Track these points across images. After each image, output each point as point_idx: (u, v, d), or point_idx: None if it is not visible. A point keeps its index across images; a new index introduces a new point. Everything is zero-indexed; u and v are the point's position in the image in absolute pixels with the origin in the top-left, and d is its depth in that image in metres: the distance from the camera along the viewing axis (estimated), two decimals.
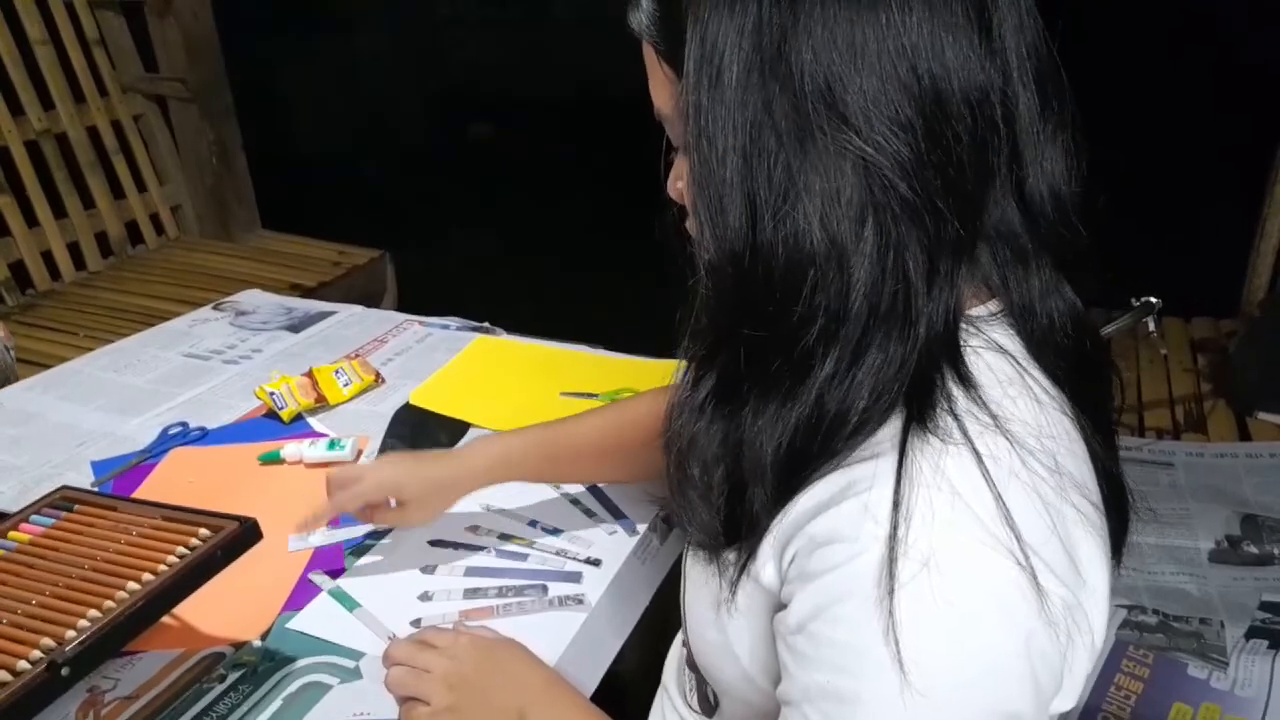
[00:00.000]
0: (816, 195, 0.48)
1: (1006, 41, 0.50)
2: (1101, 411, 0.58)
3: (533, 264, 3.29)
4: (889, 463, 0.48)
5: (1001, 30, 0.50)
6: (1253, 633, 1.28)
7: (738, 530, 0.55)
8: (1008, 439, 0.49)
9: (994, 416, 0.50)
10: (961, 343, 0.52)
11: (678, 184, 0.59)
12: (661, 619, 0.89)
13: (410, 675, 0.72)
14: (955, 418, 0.49)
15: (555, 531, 0.95)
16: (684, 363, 0.58)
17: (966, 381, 0.51)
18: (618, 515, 0.97)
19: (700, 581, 0.61)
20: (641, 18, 0.55)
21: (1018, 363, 0.53)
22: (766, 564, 0.54)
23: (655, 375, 1.20)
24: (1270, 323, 1.95)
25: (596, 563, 0.90)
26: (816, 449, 0.50)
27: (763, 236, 0.49)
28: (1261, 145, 2.17)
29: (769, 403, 0.52)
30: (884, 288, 0.48)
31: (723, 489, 0.55)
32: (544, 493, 1.00)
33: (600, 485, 1.01)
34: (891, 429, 0.50)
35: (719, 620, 0.59)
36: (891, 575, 0.46)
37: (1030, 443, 0.50)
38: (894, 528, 0.46)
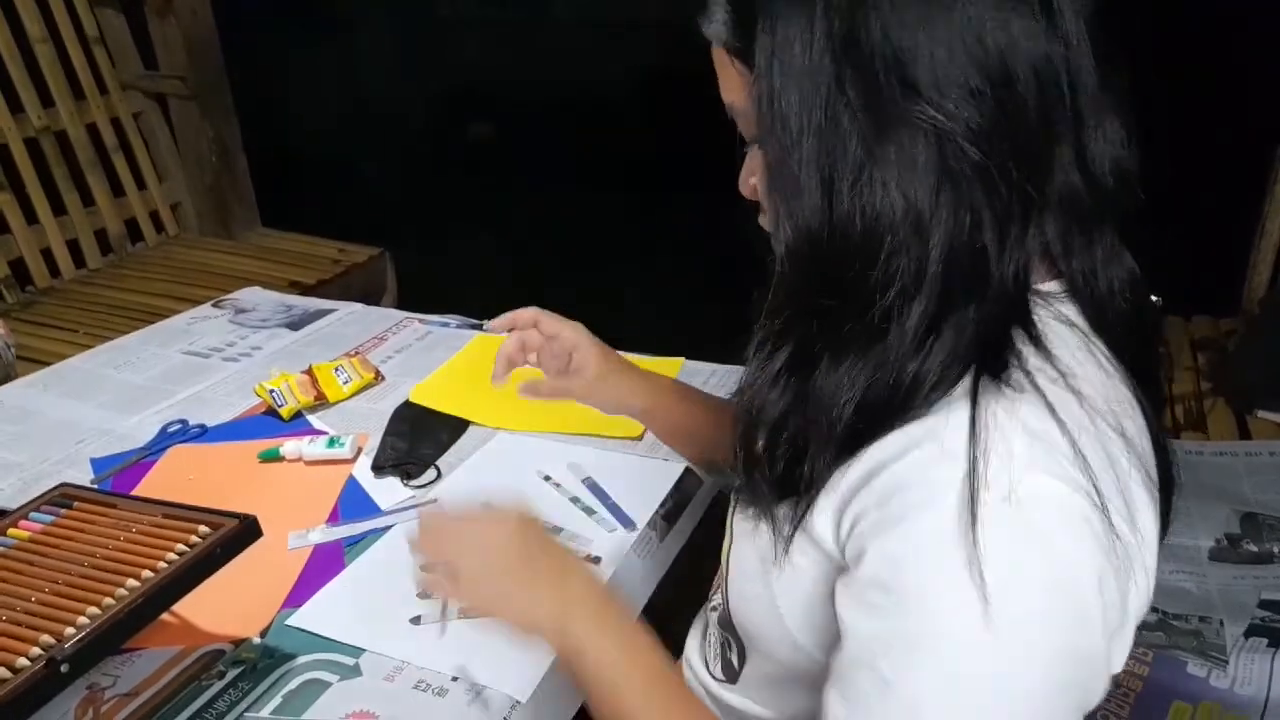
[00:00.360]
0: (893, 165, 0.50)
1: (1066, 15, 0.52)
2: (1155, 384, 0.60)
3: (533, 262, 3.29)
4: (962, 412, 0.50)
5: (1061, 4, 0.51)
6: (1252, 631, 1.27)
7: (795, 486, 0.56)
8: (1076, 396, 0.51)
9: (1064, 375, 0.51)
10: (1031, 311, 0.54)
11: (750, 180, 0.61)
12: (661, 616, 0.89)
13: (439, 531, 0.68)
14: (1027, 373, 0.51)
15: (555, 529, 0.95)
16: (757, 344, 0.59)
17: (1038, 342, 0.52)
18: (617, 513, 0.97)
19: (747, 535, 0.62)
20: (714, 23, 0.57)
21: (1084, 334, 0.55)
22: (824, 519, 0.54)
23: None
24: (1270, 322, 1.95)
25: (596, 560, 0.90)
26: (895, 406, 0.52)
27: (839, 210, 0.51)
28: (1261, 145, 2.17)
29: (841, 363, 0.53)
30: (960, 250, 0.50)
31: (787, 448, 0.57)
32: (543, 491, 1.01)
33: (600, 484, 1.01)
34: (963, 386, 0.51)
35: (765, 574, 0.59)
36: (974, 510, 0.47)
37: (1099, 404, 0.52)
38: (972, 465, 0.47)
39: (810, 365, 0.55)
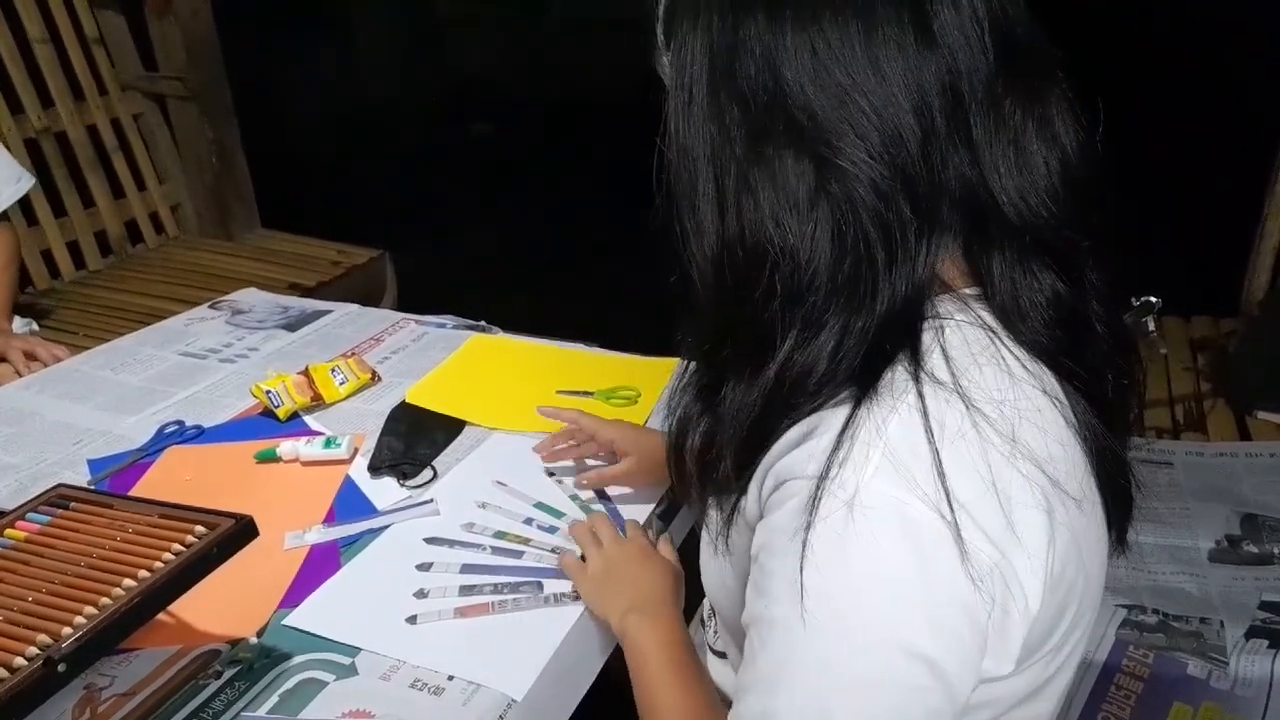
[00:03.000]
0: (769, 190, 0.53)
1: (948, 30, 0.52)
2: (1098, 388, 0.59)
3: (533, 263, 3.29)
4: (841, 415, 0.52)
5: (943, 21, 0.52)
6: (1253, 632, 1.27)
7: (718, 486, 0.62)
8: (963, 402, 0.52)
9: (955, 381, 0.52)
10: (945, 315, 0.55)
11: None
12: None
13: (591, 540, 0.87)
14: (915, 380, 0.52)
15: (550, 529, 0.94)
16: (685, 357, 0.65)
17: (930, 349, 0.54)
18: (614, 513, 0.97)
19: (705, 531, 0.68)
20: (659, 56, 0.61)
21: (996, 337, 0.55)
22: (751, 503, 0.58)
23: (652, 373, 1.20)
24: (1270, 322, 1.95)
25: None
26: (780, 408, 0.55)
27: (729, 231, 0.55)
28: (1261, 145, 2.17)
29: (743, 377, 0.57)
30: (842, 265, 0.53)
31: (710, 459, 0.62)
32: (539, 490, 1.00)
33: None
34: (850, 390, 0.54)
35: (717, 561, 0.66)
36: (813, 509, 0.50)
37: (987, 409, 0.52)
38: (825, 469, 0.51)
39: (722, 376, 0.59)
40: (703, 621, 0.84)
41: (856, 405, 0.52)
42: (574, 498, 0.99)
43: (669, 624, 0.78)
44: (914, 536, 0.49)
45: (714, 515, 0.64)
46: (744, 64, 0.53)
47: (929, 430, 0.50)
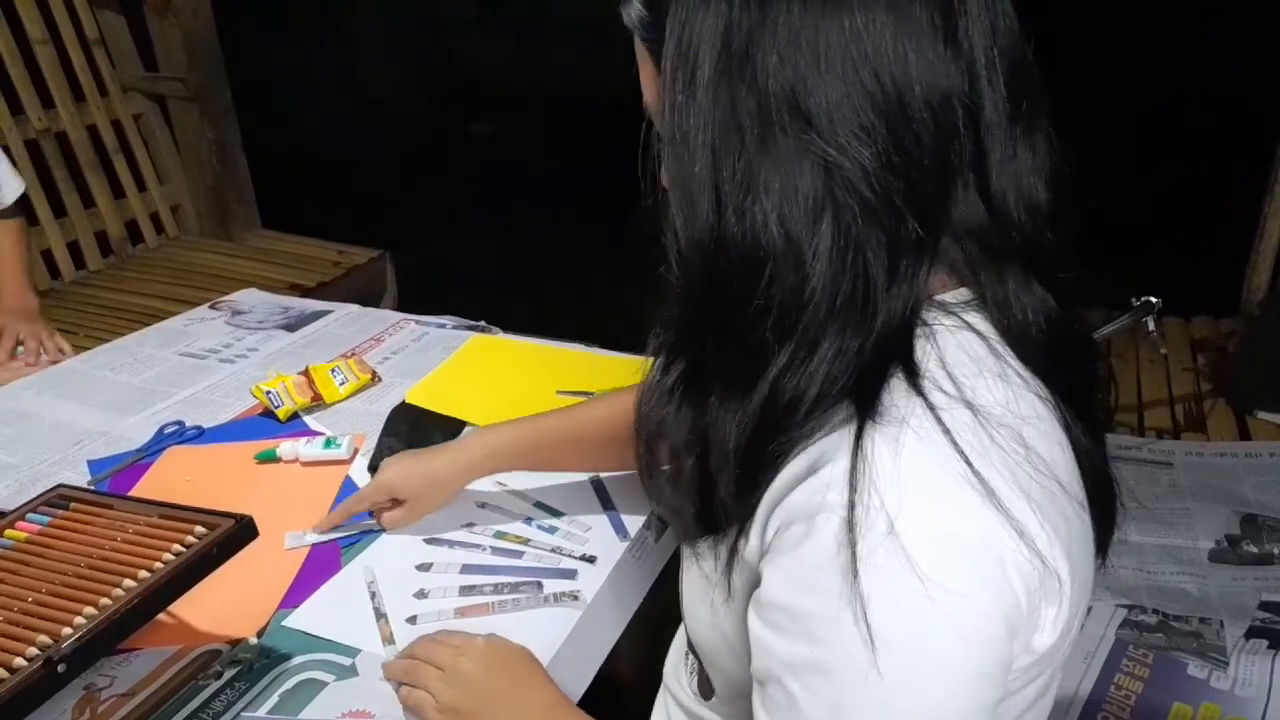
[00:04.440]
0: (775, 193, 0.49)
1: (974, 44, 0.50)
2: (1084, 403, 0.59)
3: (533, 263, 3.29)
4: (849, 437, 0.49)
5: (969, 33, 0.50)
6: (1252, 632, 1.27)
7: (715, 521, 0.57)
8: (972, 411, 0.50)
9: (960, 390, 0.51)
10: (934, 321, 0.53)
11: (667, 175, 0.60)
12: (657, 616, 0.89)
13: (418, 667, 0.74)
14: (920, 394, 0.50)
15: (551, 529, 0.94)
16: (653, 351, 0.60)
17: (925, 359, 0.52)
18: (613, 517, 0.97)
19: (690, 559, 0.63)
20: (631, 13, 0.56)
21: (989, 344, 0.54)
22: (753, 542, 0.54)
23: None
24: (1270, 322, 1.95)
25: (592, 560, 0.90)
26: (771, 434, 0.52)
27: (727, 230, 0.51)
28: (1261, 145, 2.17)
29: (731, 392, 0.53)
30: (842, 282, 0.50)
31: (694, 479, 0.57)
32: (538, 490, 1.00)
33: (601, 482, 1.01)
34: (848, 412, 0.51)
35: (708, 597, 0.60)
36: (853, 546, 0.46)
37: (995, 416, 0.51)
38: (851, 497, 0.47)
39: (703, 389, 0.55)
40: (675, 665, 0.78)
41: (860, 426, 0.49)
42: (571, 499, 0.99)
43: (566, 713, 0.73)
44: (969, 553, 0.47)
45: (705, 554, 0.60)
46: (766, 51, 0.49)
47: (954, 443, 0.48)
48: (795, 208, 0.49)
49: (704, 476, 0.56)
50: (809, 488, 0.50)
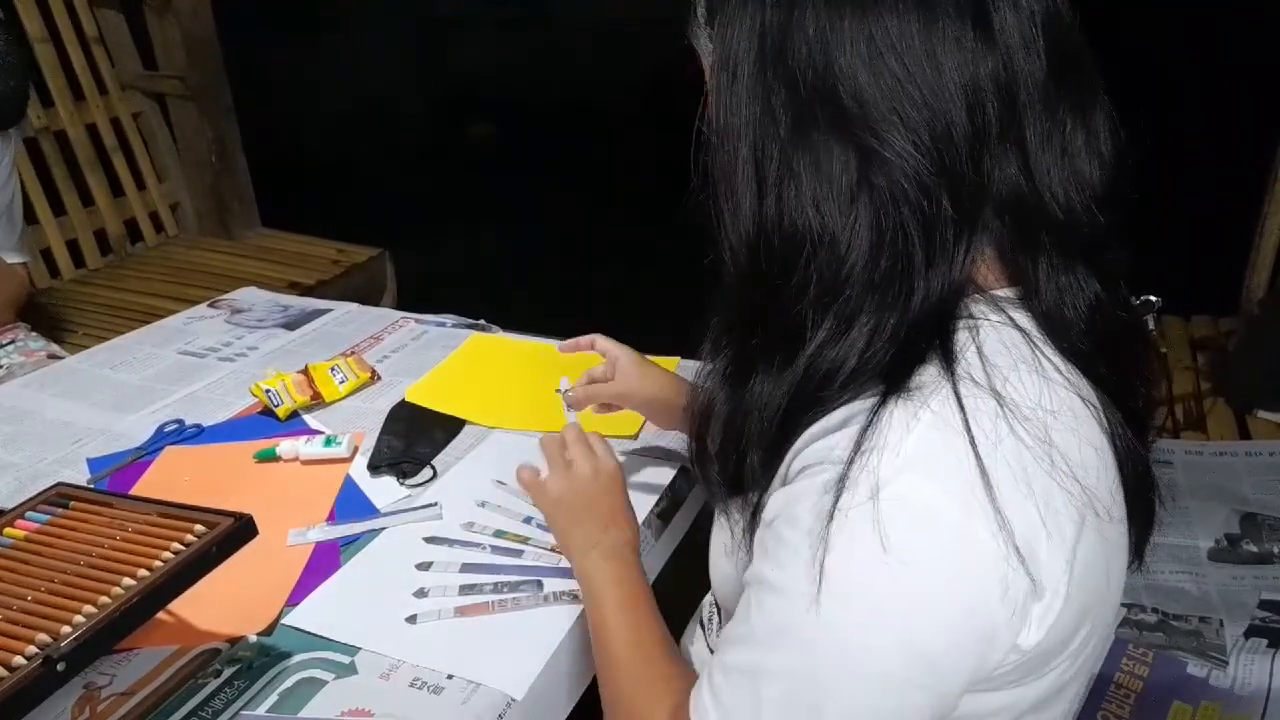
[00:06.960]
0: (811, 178, 0.52)
1: (1007, 21, 0.51)
2: (1130, 400, 0.59)
3: (533, 262, 3.29)
4: (872, 406, 0.52)
5: (1002, 10, 0.51)
6: (1252, 631, 1.27)
7: (741, 484, 0.61)
8: (998, 401, 0.51)
9: (989, 382, 0.52)
10: (980, 315, 0.54)
11: None
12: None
13: (559, 454, 0.83)
14: (951, 378, 0.51)
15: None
16: (709, 338, 0.63)
17: (964, 349, 0.53)
18: None
19: (720, 523, 0.67)
20: (697, 30, 0.61)
21: (1032, 341, 0.55)
22: (774, 487, 0.57)
23: None
24: (1270, 322, 1.95)
25: None
26: (808, 404, 0.55)
27: (767, 214, 0.54)
28: (1261, 145, 2.17)
29: (771, 368, 0.57)
30: (879, 262, 0.52)
31: (733, 449, 0.61)
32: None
33: None
34: (881, 385, 0.53)
35: (732, 555, 0.64)
36: (839, 491, 0.49)
37: (1023, 412, 0.51)
38: (854, 453, 0.50)
39: (750, 367, 0.59)
40: (701, 624, 0.82)
41: (885, 398, 0.51)
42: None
43: (630, 565, 0.78)
44: (940, 534, 0.48)
45: (736, 518, 0.63)
46: (796, 45, 0.52)
47: (968, 428, 0.49)
48: (831, 190, 0.52)
49: (741, 441, 0.59)
50: (825, 442, 0.53)
